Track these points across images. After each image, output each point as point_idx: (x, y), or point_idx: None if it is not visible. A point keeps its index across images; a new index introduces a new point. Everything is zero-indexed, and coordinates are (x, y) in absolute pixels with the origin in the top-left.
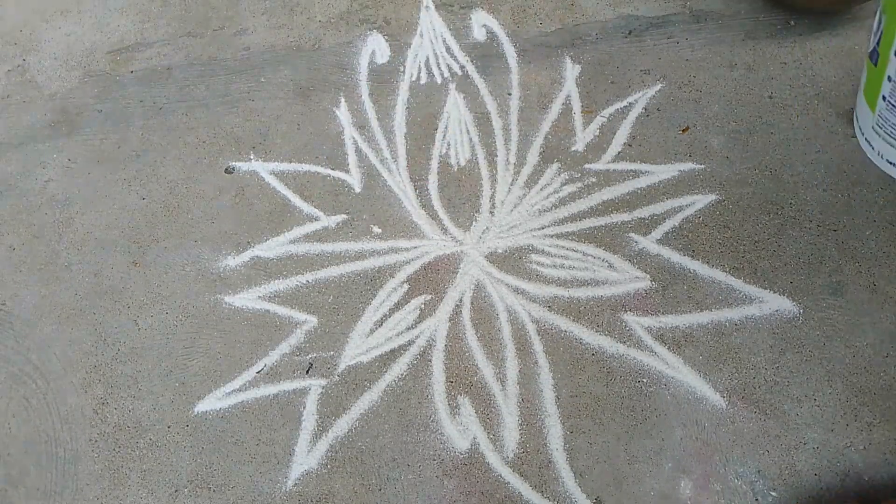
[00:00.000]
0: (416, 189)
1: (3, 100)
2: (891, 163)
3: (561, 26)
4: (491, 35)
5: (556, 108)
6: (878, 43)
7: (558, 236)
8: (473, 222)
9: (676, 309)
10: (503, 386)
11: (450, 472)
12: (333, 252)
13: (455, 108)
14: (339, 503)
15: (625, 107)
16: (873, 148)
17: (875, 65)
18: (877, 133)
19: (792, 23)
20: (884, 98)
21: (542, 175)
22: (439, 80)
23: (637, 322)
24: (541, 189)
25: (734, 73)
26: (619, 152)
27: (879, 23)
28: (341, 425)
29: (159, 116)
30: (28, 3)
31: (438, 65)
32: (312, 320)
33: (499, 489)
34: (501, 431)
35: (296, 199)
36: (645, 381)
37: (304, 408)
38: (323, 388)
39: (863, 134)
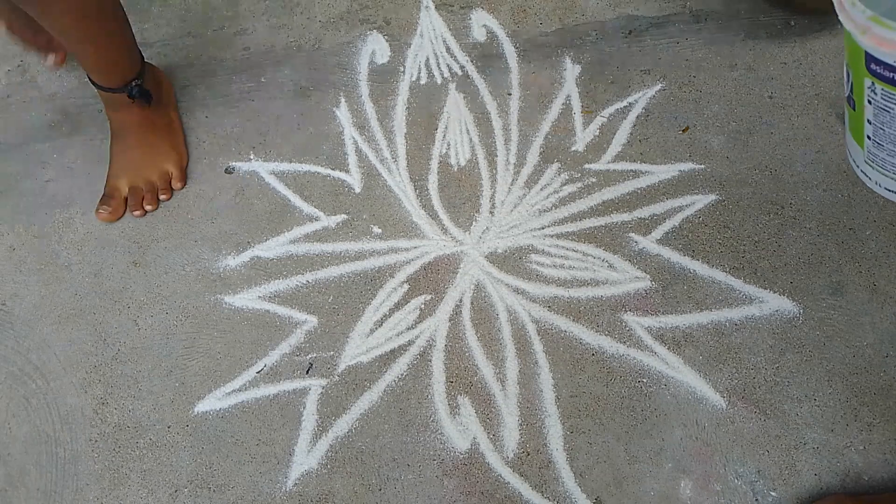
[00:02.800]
0: (416, 189)
1: (3, 100)
2: (890, 190)
3: (561, 26)
4: (491, 35)
5: (556, 108)
6: (850, 91)
7: (558, 236)
8: (473, 222)
9: (676, 309)
10: (503, 386)
11: (450, 472)
12: (333, 252)
13: (455, 108)
14: (339, 503)
15: (625, 107)
16: (870, 179)
17: (853, 109)
18: (870, 166)
19: (792, 23)
20: (868, 137)
21: (542, 175)
22: (439, 80)
23: (637, 322)
24: (541, 189)
25: (734, 73)
26: (619, 152)
27: (849, 73)
28: (341, 425)
29: None
30: None
31: (438, 65)
32: (312, 320)
33: (499, 489)
34: (501, 431)
35: (296, 199)
36: (645, 381)
37: (304, 408)
38: (323, 388)
39: (857, 166)
